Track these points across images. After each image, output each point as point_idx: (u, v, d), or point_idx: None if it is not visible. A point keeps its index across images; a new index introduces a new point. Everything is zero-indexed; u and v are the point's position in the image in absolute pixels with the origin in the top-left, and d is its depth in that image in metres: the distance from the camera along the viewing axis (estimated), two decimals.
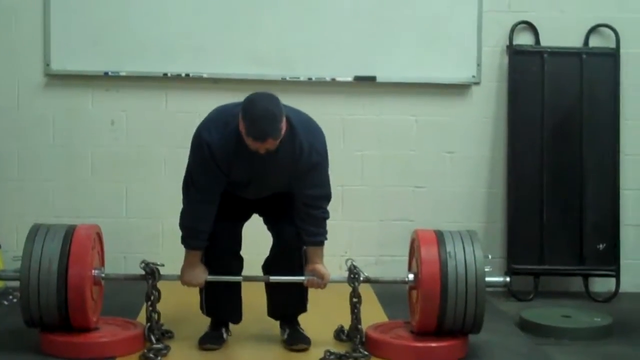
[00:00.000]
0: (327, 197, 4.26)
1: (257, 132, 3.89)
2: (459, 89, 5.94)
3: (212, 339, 4.34)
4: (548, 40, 5.91)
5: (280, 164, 4.10)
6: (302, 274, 4.27)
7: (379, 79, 5.85)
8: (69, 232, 4.19)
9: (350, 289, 4.27)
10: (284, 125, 3.96)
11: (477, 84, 5.92)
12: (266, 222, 4.46)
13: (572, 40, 5.94)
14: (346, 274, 4.31)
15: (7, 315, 4.83)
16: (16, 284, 4.20)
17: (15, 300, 5.09)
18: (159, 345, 4.17)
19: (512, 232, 5.84)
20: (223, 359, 4.19)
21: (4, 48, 5.81)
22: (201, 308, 4.44)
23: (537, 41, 5.91)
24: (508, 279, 4.43)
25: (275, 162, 4.07)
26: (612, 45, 5.92)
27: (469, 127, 5.98)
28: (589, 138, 5.85)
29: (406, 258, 4.52)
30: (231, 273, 4.34)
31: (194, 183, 4.17)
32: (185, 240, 4.26)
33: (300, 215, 4.23)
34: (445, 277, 4.10)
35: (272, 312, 4.49)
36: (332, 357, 4.11)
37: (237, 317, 4.47)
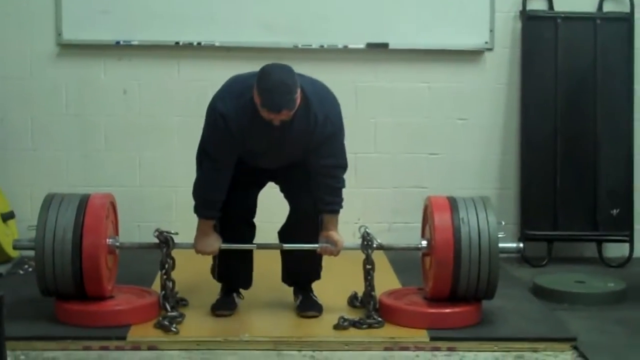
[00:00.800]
0: (343, 167, 4.26)
1: (271, 103, 3.90)
2: (471, 55, 5.91)
3: (224, 305, 4.37)
4: (562, 5, 5.87)
5: (295, 135, 4.10)
6: (317, 242, 4.29)
7: (391, 46, 5.82)
8: (83, 202, 4.20)
9: (363, 256, 4.28)
10: (298, 97, 3.96)
11: (490, 50, 5.89)
12: (282, 190, 4.47)
13: (586, 5, 5.89)
14: (359, 241, 4.32)
15: (23, 284, 4.85)
16: (31, 253, 4.22)
17: (30, 269, 5.12)
18: (174, 313, 4.19)
19: (525, 198, 5.84)
20: (237, 325, 4.21)
21: (16, 18, 5.80)
22: (212, 273, 4.48)
23: (551, 6, 5.87)
24: (521, 245, 4.43)
25: (290, 132, 4.08)
26: (627, 10, 5.87)
27: (482, 94, 5.96)
28: (602, 104, 5.82)
29: (419, 225, 4.52)
30: (243, 240, 4.36)
31: (208, 153, 4.18)
32: (198, 210, 4.28)
33: (316, 184, 4.23)
34: (458, 244, 4.10)
35: (286, 278, 4.52)
36: (345, 323, 4.13)
37: (246, 284, 4.51)
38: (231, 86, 4.18)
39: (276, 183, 4.48)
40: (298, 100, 3.96)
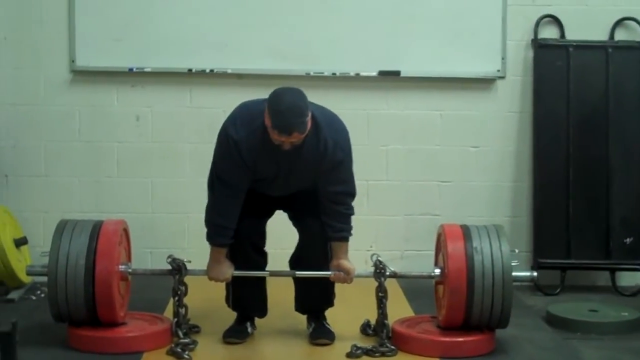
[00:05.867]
0: (351, 194, 4.26)
1: (283, 125, 3.90)
2: (483, 83, 5.92)
3: (236, 333, 4.36)
4: (573, 33, 5.87)
5: (305, 161, 4.10)
6: (328, 269, 4.28)
7: (403, 74, 5.83)
8: (96, 228, 4.22)
9: (376, 284, 4.28)
10: (309, 120, 3.97)
11: (502, 78, 5.89)
12: (291, 217, 4.46)
13: (598, 33, 5.89)
14: (372, 268, 4.31)
15: (35, 310, 4.87)
16: (44, 279, 4.23)
17: (43, 295, 5.12)
18: (186, 340, 4.19)
19: (538, 226, 5.81)
20: (249, 353, 4.21)
21: (29, 45, 5.82)
22: (227, 302, 4.46)
23: (562, 35, 5.87)
24: (535, 273, 4.42)
25: (300, 158, 4.08)
26: (638, 38, 5.87)
27: (494, 122, 5.95)
28: (615, 131, 5.81)
29: (432, 253, 4.51)
30: (256, 268, 4.36)
31: (220, 179, 4.17)
32: (210, 237, 4.27)
33: (325, 211, 4.23)
34: (471, 272, 4.10)
35: (299, 306, 4.51)
36: (358, 351, 4.12)
37: (262, 312, 4.50)
38: (242, 112, 4.19)
39: (284, 210, 4.47)
40: (309, 125, 3.97)
